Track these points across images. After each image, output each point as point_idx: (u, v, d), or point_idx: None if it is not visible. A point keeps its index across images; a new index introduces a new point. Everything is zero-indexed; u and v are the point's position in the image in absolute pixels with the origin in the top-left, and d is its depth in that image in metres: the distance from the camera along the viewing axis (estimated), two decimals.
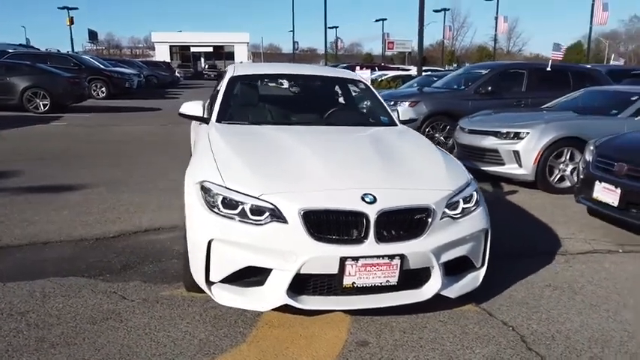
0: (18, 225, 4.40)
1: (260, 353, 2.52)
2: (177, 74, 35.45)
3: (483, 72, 9.28)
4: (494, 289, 3.24)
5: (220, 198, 2.69)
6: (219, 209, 2.68)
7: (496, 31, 38.32)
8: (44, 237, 4.12)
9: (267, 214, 2.61)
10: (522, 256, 3.91)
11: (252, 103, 4.25)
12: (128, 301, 3.05)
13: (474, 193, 3.00)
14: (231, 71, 4.37)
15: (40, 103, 13.59)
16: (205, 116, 3.95)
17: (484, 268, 3.01)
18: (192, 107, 3.97)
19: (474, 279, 2.97)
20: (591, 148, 5.09)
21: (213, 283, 2.72)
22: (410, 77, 15.71)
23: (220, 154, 3.06)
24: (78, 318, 2.82)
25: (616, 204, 4.32)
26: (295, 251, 2.54)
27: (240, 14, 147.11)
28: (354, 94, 4.50)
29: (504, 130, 6.32)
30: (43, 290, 3.15)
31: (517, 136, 6.20)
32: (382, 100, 4.35)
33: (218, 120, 3.81)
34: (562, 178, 6.21)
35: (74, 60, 19.19)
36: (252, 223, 2.62)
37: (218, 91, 4.51)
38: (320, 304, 2.64)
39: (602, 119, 6.46)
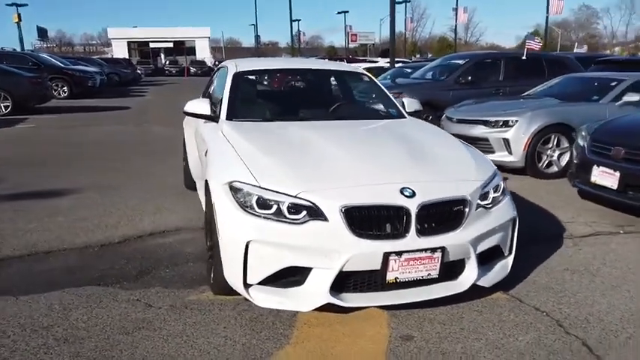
0: (13, 234, 4.18)
1: (308, 354, 2.48)
2: (138, 71, 34.48)
3: (461, 62, 9.41)
4: (516, 276, 3.29)
5: (255, 198, 2.62)
6: (254, 209, 2.61)
7: (456, 21, 39.01)
8: (45, 246, 3.93)
9: (304, 212, 2.56)
10: (533, 241, 3.99)
11: (260, 99, 4.16)
12: (155, 308, 2.94)
13: (501, 182, 3.03)
14: (232, 67, 4.26)
15: (1, 105, 12.95)
16: (211, 114, 3.83)
17: (512, 256, 3.06)
18: (199, 105, 3.85)
19: (503, 267, 3.01)
20: (583, 133, 5.24)
21: (250, 285, 2.65)
22: (382, 69, 15.78)
23: (245, 153, 2.97)
24: (108, 329, 2.70)
25: (615, 187, 4.47)
26: (338, 249, 2.51)
27: (197, 7, 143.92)
28: (358, 87, 4.47)
29: (493, 119, 6.43)
30: (62, 302, 3.00)
31: (506, 124, 6.33)
32: (388, 92, 4.34)
33: (229, 117, 3.70)
34: (550, 164, 6.38)
35: (33, 59, 18.34)
36: (290, 222, 2.56)
37: (219, 88, 4.41)
38: (363, 301, 2.62)
39: (585, 105, 6.66)
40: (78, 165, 7.06)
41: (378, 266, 2.55)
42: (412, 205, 2.55)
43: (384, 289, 2.64)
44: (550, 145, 6.32)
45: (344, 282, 2.61)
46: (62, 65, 19.33)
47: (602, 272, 3.45)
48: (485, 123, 6.49)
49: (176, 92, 23.59)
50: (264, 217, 2.59)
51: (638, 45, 71.74)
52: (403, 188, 2.61)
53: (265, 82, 4.47)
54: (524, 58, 9.43)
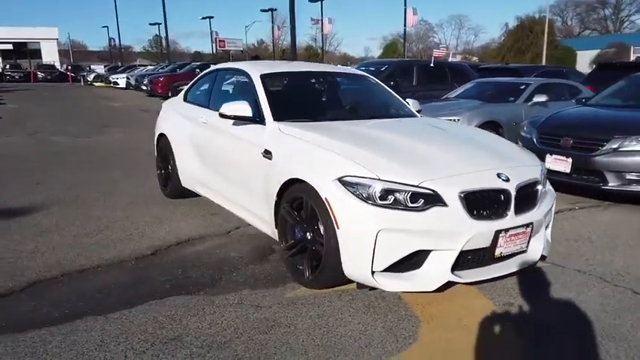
0: (19, 257, 3.70)
1: (445, 329, 2.74)
2: None
3: (383, 68, 10.18)
4: None
5: (376, 190, 2.80)
6: (376, 201, 2.79)
7: (322, 32, 40.89)
8: (73, 265, 3.57)
9: (422, 200, 2.82)
10: None
11: (294, 101, 4.22)
12: (266, 308, 2.95)
13: (544, 167, 3.60)
14: (252, 70, 4.25)
15: None
16: (254, 117, 3.82)
17: (550, 229, 3.63)
18: (239, 108, 3.80)
19: (548, 239, 3.57)
20: (525, 128, 6.19)
21: (374, 272, 2.82)
22: None
23: (335, 149, 3.10)
24: (243, 331, 2.66)
25: (568, 171, 5.41)
26: (459, 231, 2.81)
27: (39, 5, 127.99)
28: (370, 88, 4.74)
29: (443, 118, 7.18)
30: (161, 314, 2.84)
31: None
32: (394, 93, 4.73)
33: (277, 119, 3.74)
34: None
35: None
36: (413, 210, 2.80)
37: (239, 91, 4.40)
38: (477, 276, 2.95)
39: (506, 105, 7.78)
40: (8, 181, 6.24)
41: (488, 243, 2.91)
42: (511, 188, 2.97)
43: (486, 264, 3.01)
44: None
45: (457, 261, 2.91)
46: None
47: (594, 238, 4.24)
48: None
49: (44, 100, 21.28)
50: (388, 207, 2.79)
51: (466, 56, 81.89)
52: (499, 174, 3.01)
53: (290, 85, 4.52)
54: (431, 65, 10.52)
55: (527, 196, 3.10)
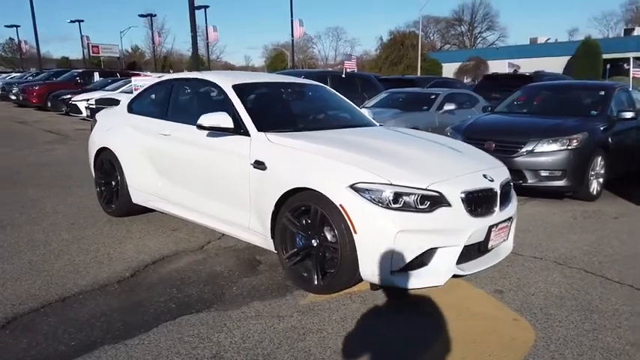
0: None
1: (464, 318, 3.00)
2: None
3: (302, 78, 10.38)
4: None
5: (389, 194, 2.98)
6: (389, 204, 2.98)
7: (208, 39, 40.13)
8: (48, 294, 3.24)
9: (429, 201, 3.06)
10: None
11: (271, 112, 4.21)
12: (288, 317, 2.97)
13: None
14: (222, 80, 4.18)
15: None
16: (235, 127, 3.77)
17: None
18: (219, 119, 3.72)
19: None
20: (449, 134, 6.81)
21: (393, 272, 3.00)
22: None
23: (343, 157, 3.22)
24: (279, 342, 2.68)
25: None
26: (462, 228, 3.10)
27: None
28: (334, 99, 4.87)
29: None
30: (182, 333, 2.73)
31: None
32: (351, 102, 4.95)
33: (261, 130, 3.73)
34: None
35: None
36: (422, 211, 3.03)
37: (207, 103, 4.33)
38: (475, 268, 3.26)
39: (422, 113, 8.45)
40: None
41: (483, 237, 3.24)
42: (497, 187, 3.34)
43: (477, 256, 3.34)
44: None
45: (460, 255, 3.18)
46: None
47: (532, 228, 4.84)
48: None
49: None
50: (401, 210, 2.99)
51: (340, 66, 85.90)
52: (484, 175, 3.37)
53: (263, 96, 4.49)
54: (343, 76, 11.00)
55: (505, 194, 3.51)
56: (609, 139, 6.33)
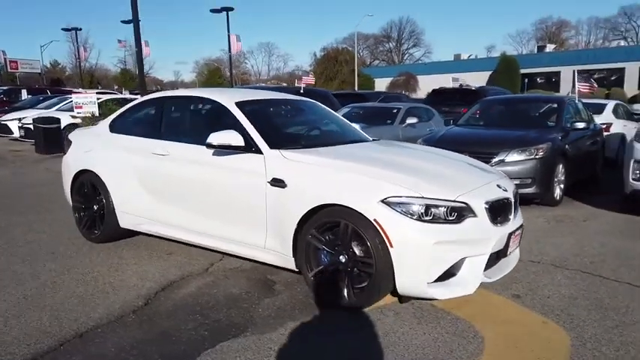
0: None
1: (496, 324, 3.10)
2: None
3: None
4: None
5: (421, 207, 3.05)
6: (422, 217, 3.05)
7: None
8: (62, 330, 2.99)
9: (456, 212, 3.16)
10: None
11: (279, 128, 4.15)
12: (330, 335, 2.93)
13: None
14: (223, 98, 4.09)
15: None
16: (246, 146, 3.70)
17: None
18: (229, 137, 3.63)
19: None
20: (422, 143, 7.04)
21: (429, 284, 3.06)
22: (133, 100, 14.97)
23: (369, 173, 3.26)
24: (371, 349, 2.63)
25: None
26: (487, 237, 3.22)
27: None
28: (329, 115, 4.89)
29: None
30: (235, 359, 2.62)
31: None
32: (343, 118, 5.01)
33: (273, 147, 3.68)
34: None
35: None
36: (452, 222, 3.12)
37: (205, 121, 4.23)
38: (498, 275, 3.39)
39: (386, 127, 8.67)
40: None
41: (503, 245, 3.37)
42: (511, 196, 3.50)
43: (495, 262, 3.47)
44: None
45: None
46: None
47: (539, 230, 5.08)
48: None
49: None
50: (433, 222, 3.06)
51: (278, 82, 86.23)
52: (498, 185, 3.52)
53: (266, 112, 4.41)
54: (301, 91, 11.06)
55: (515, 203, 3.68)
56: (567, 148, 6.82)
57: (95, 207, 4.71)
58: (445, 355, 2.72)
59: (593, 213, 6.11)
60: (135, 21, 13.55)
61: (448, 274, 3.15)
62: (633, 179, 5.71)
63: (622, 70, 40.31)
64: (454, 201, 3.14)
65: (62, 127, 12.56)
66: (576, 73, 8.77)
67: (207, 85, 52.62)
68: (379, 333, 2.96)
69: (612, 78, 40.79)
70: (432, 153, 4.14)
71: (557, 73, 45.69)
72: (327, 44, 69.85)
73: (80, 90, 16.89)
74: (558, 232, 5.25)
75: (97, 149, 4.73)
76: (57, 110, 14.72)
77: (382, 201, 3.08)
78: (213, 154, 3.85)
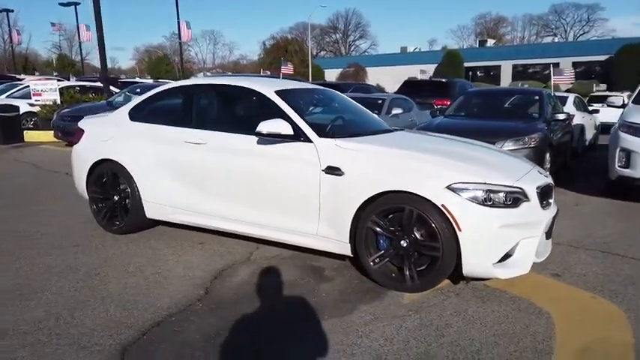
0: (58, 325, 2.83)
1: (554, 301, 3.33)
2: None
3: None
4: None
5: (482, 192, 3.22)
6: (484, 202, 3.21)
7: (80, 39, 36.90)
8: (144, 318, 2.93)
9: (513, 197, 3.35)
10: None
11: (320, 117, 4.15)
12: (407, 316, 3.05)
13: None
14: (262, 87, 4.06)
15: None
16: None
17: None
18: (279, 126, 3.63)
19: None
20: None
21: (494, 264, 3.24)
22: (94, 88, 14.28)
23: (432, 160, 3.39)
24: (424, 340, 2.75)
25: None
26: (539, 220, 3.44)
27: None
28: (352, 104, 4.93)
29: None
30: (333, 339, 2.68)
31: None
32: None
33: (322, 135, 3.71)
34: None
35: None
36: (511, 207, 3.31)
37: (243, 110, 4.20)
38: (544, 255, 3.61)
39: None
40: None
41: (548, 227, 3.61)
42: (551, 181, 3.74)
43: (543, 243, 3.69)
44: None
45: None
46: None
47: None
48: None
49: None
50: (495, 207, 3.24)
51: (218, 70, 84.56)
52: (539, 171, 3.75)
53: (304, 101, 4.40)
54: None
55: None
56: (552, 137, 7.25)
57: (116, 197, 4.56)
58: (522, 330, 2.90)
59: (580, 198, 6.56)
60: (96, 5, 12.83)
61: (507, 256, 3.33)
62: (619, 166, 6.18)
63: (557, 65, 42.79)
64: (512, 187, 3.32)
65: (20, 115, 11.84)
66: (552, 67, 9.28)
67: (154, 73, 50.84)
68: (453, 312, 3.11)
69: (545, 72, 43.29)
70: (466, 142, 4.31)
71: (498, 67, 47.90)
72: (274, 33, 69.25)
73: (41, 77, 15.89)
74: (559, 215, 5.60)
75: (117, 138, 4.56)
76: (8, 97, 13.80)
77: (448, 187, 3.21)
78: (258, 143, 3.84)
